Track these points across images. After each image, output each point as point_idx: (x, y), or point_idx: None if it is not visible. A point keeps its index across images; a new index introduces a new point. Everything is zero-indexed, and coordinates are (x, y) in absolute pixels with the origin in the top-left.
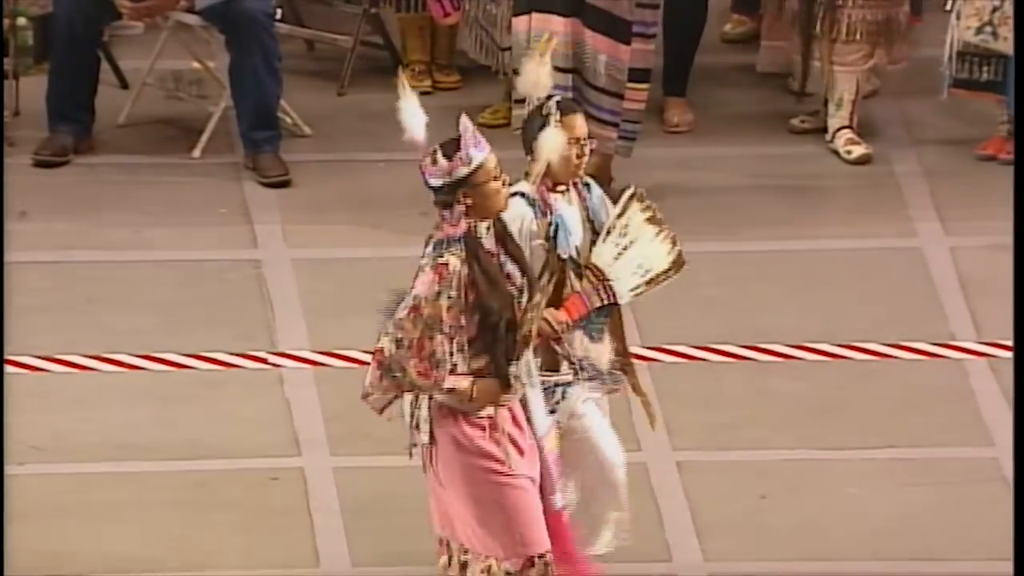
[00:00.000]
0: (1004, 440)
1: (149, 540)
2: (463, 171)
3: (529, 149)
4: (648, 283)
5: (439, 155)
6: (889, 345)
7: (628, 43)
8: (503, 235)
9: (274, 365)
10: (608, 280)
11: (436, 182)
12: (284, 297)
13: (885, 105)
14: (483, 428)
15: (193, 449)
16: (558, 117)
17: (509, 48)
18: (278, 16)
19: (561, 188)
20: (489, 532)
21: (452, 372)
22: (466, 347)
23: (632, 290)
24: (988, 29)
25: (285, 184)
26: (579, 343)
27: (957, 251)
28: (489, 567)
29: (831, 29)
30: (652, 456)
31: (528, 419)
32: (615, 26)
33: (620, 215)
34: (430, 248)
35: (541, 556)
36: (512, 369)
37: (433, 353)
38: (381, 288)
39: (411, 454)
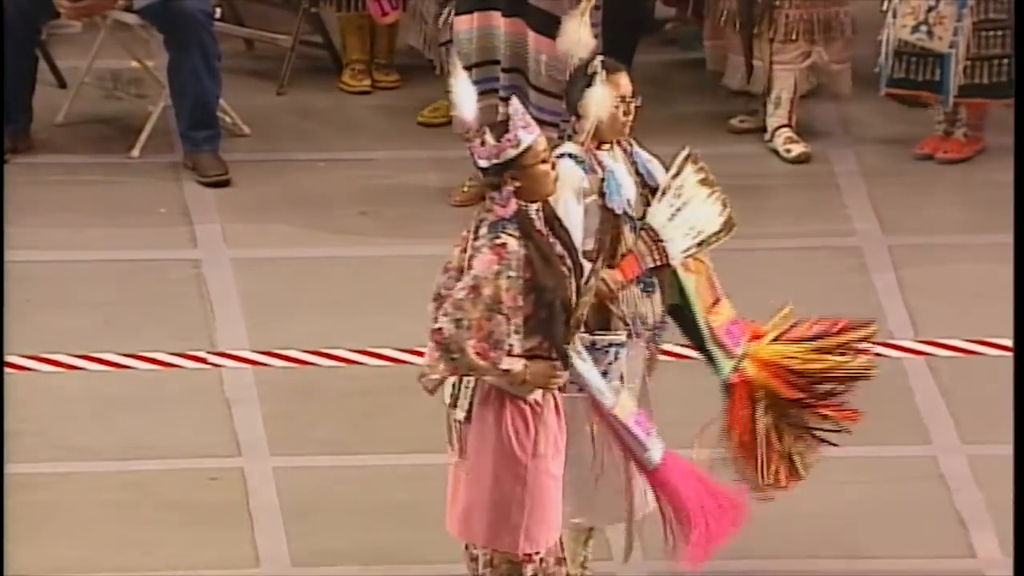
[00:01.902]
0: (940, 438)
1: (88, 541)
2: (511, 152)
3: (573, 109)
4: (699, 244)
5: (488, 136)
6: None
7: None
8: (551, 218)
9: (214, 365)
10: (661, 240)
11: (484, 163)
12: (224, 297)
13: (824, 104)
14: (525, 417)
15: (132, 449)
16: (604, 75)
17: (447, 43)
18: (217, 15)
19: (606, 147)
20: (499, 519)
21: (508, 353)
22: (521, 327)
23: (684, 251)
24: (923, 28)
25: (224, 184)
26: (632, 300)
27: (895, 250)
28: (491, 559)
29: (769, 28)
30: None
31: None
32: (556, 26)
33: (675, 176)
34: (484, 230)
35: (539, 554)
36: (560, 351)
37: (491, 333)
38: (320, 287)
39: (452, 443)
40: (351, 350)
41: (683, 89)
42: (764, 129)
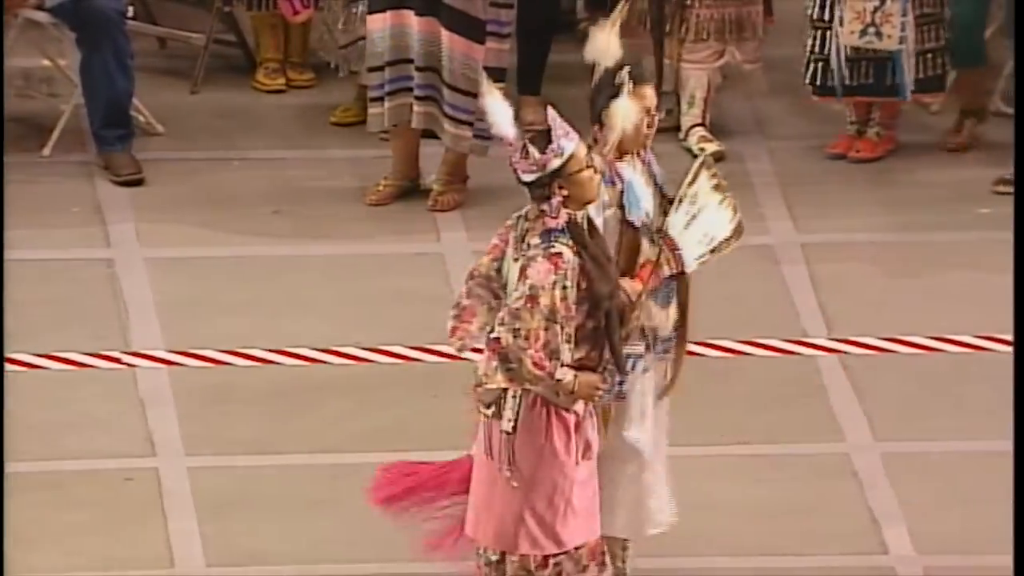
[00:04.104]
0: (854, 436)
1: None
2: (557, 162)
3: (598, 118)
4: (712, 251)
5: (531, 149)
6: (741, 342)
7: (483, 42)
8: (590, 228)
9: (128, 365)
10: (678, 249)
11: (529, 177)
12: (137, 296)
13: (737, 103)
14: (567, 428)
15: (47, 449)
16: (630, 86)
17: (346, 46)
18: (130, 14)
19: (627, 157)
20: (544, 531)
21: (561, 364)
22: (572, 337)
23: (698, 258)
24: (871, 30)
25: (138, 183)
26: (650, 311)
27: (808, 248)
28: (525, 563)
29: (680, 28)
30: None
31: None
32: (470, 25)
33: (691, 183)
34: (536, 240)
35: (568, 553)
36: (619, 358)
37: (548, 343)
38: (234, 287)
39: (491, 453)
40: (267, 350)
41: None
42: (678, 128)
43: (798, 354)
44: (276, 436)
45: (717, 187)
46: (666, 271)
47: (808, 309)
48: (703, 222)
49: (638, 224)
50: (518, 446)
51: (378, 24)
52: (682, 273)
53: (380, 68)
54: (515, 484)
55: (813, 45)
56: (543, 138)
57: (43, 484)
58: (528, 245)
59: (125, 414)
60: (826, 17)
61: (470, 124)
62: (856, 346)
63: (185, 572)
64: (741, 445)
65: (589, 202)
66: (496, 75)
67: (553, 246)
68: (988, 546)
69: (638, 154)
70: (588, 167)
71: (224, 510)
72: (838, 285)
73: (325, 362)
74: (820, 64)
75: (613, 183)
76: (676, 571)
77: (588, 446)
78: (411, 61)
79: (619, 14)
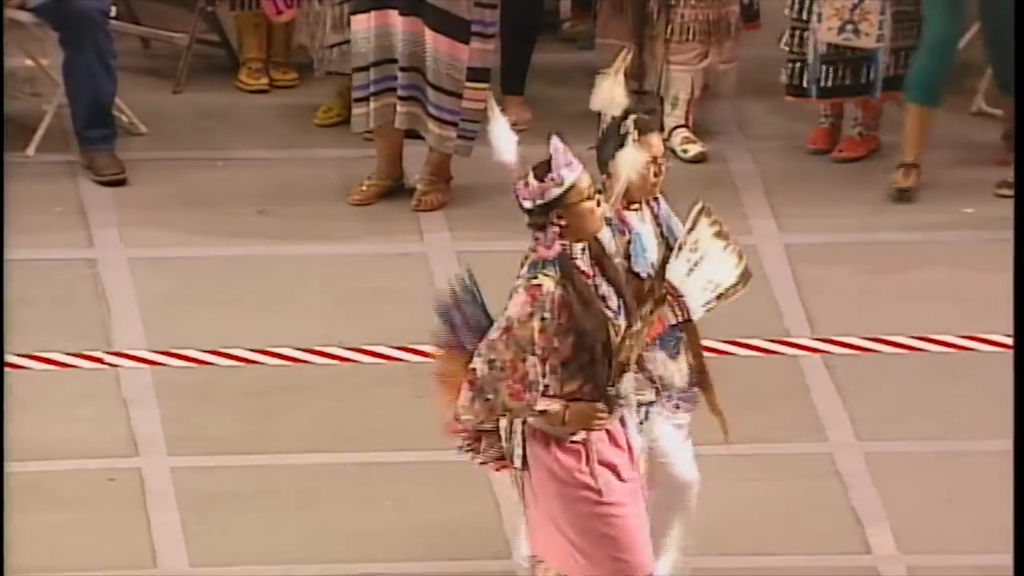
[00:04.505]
0: (837, 435)
1: None
2: (555, 192)
3: (604, 167)
4: (718, 298)
5: (531, 177)
6: (725, 341)
7: (467, 43)
8: (600, 256)
9: (111, 365)
10: (682, 296)
11: (528, 204)
12: (120, 296)
13: (720, 104)
14: (577, 455)
15: (30, 450)
16: (636, 136)
17: (333, 46)
18: (112, 13)
19: (635, 206)
20: (591, 562)
21: (544, 394)
22: (559, 369)
23: (704, 305)
24: (850, 27)
25: (121, 183)
26: (657, 361)
27: (791, 248)
28: None
29: (665, 28)
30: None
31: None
32: (454, 25)
33: (691, 230)
34: (525, 269)
35: None
36: (611, 391)
37: (526, 375)
38: (218, 287)
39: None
40: (250, 350)
41: (580, 89)
42: (661, 129)
43: (781, 354)
44: (259, 436)
45: (718, 233)
46: (671, 319)
47: (791, 309)
48: (706, 269)
49: (643, 275)
50: (535, 482)
51: (362, 25)
52: (688, 320)
53: (365, 68)
54: (538, 518)
55: (792, 44)
56: (543, 166)
57: (26, 484)
58: (520, 274)
59: (108, 414)
60: (804, 16)
61: (455, 124)
62: (839, 346)
63: (168, 572)
64: (724, 445)
65: (592, 233)
66: (480, 75)
67: (536, 277)
68: (971, 545)
69: (647, 202)
70: (590, 198)
71: (207, 510)
72: (821, 285)
73: (308, 362)
74: (797, 64)
75: (621, 232)
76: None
77: (615, 469)
78: (395, 61)
79: (622, 62)
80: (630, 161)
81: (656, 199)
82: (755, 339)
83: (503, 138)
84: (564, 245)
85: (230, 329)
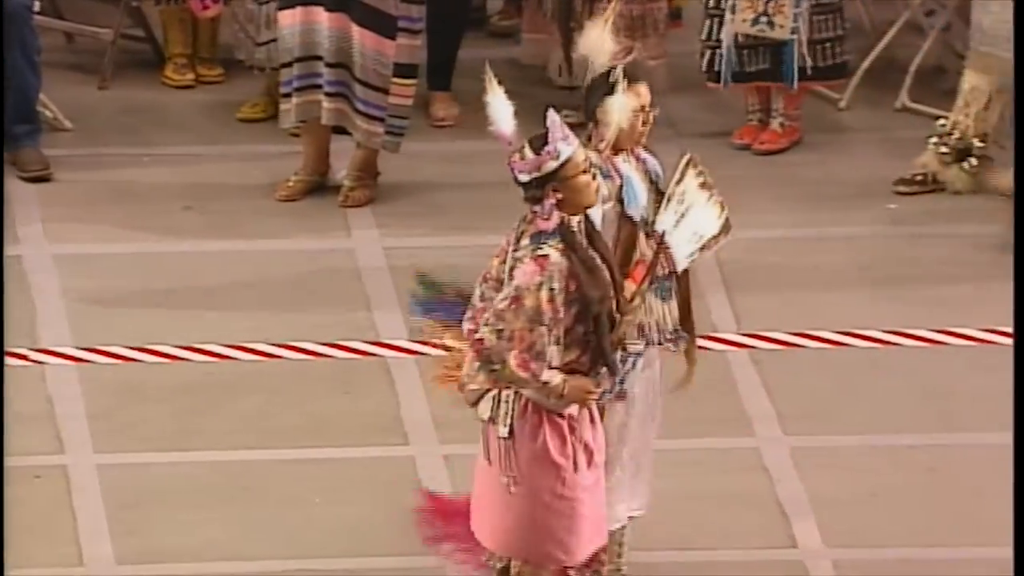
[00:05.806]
0: (763, 430)
1: None
2: (552, 165)
3: (592, 115)
4: (701, 248)
5: (527, 150)
6: None
7: (394, 38)
8: (591, 233)
9: (36, 362)
10: (668, 248)
11: (524, 177)
12: (46, 293)
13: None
14: (563, 433)
15: None
16: (625, 84)
17: (266, 43)
18: (36, 8)
19: (622, 154)
20: (539, 534)
21: (548, 366)
22: (561, 340)
23: (688, 256)
24: (764, 19)
25: (46, 179)
26: (650, 305)
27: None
28: (520, 571)
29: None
30: (419, 449)
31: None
32: (381, 21)
33: (678, 182)
34: (525, 241)
35: (579, 569)
36: (610, 360)
37: (533, 345)
38: (144, 283)
39: (490, 459)
40: (176, 346)
41: (507, 83)
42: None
43: (708, 349)
44: (186, 433)
45: (703, 185)
46: (658, 270)
47: (717, 304)
48: (692, 220)
49: (636, 218)
50: (517, 452)
51: (288, 20)
52: (673, 272)
53: (289, 64)
54: (513, 490)
55: (709, 33)
56: (540, 139)
57: None
58: (520, 246)
59: (33, 411)
60: (721, 5)
61: (382, 120)
62: (765, 340)
63: (95, 571)
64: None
65: (587, 207)
66: (407, 71)
67: (541, 248)
68: (896, 539)
69: (633, 151)
70: (585, 172)
71: (134, 507)
72: (747, 280)
73: (235, 359)
74: (712, 51)
75: (611, 177)
76: None
77: (589, 451)
78: (320, 58)
79: (611, 11)
80: (620, 108)
81: (641, 149)
82: None
83: (501, 109)
84: (563, 216)
85: (156, 326)
